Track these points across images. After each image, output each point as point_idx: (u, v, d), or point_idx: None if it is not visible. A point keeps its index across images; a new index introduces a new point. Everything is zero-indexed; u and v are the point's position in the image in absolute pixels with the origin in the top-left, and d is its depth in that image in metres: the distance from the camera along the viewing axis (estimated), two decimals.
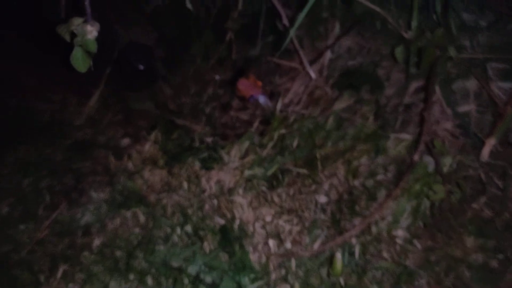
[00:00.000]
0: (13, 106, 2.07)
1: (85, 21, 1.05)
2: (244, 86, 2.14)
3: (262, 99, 2.12)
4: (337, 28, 1.99)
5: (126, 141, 1.97)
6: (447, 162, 1.54)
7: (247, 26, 2.21)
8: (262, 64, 2.29)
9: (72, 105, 2.18)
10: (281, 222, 1.55)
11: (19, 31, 2.35)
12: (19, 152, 1.83)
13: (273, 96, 2.13)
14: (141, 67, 2.33)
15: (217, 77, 2.28)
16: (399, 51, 1.69)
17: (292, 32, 1.34)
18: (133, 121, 2.09)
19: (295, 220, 1.56)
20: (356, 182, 1.68)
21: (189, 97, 2.20)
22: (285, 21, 1.80)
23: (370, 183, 1.66)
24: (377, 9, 1.55)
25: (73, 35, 1.06)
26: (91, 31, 1.05)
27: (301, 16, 1.24)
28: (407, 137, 1.74)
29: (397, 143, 1.74)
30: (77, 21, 1.05)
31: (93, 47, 1.01)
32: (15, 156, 1.81)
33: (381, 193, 1.59)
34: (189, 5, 1.96)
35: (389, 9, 1.73)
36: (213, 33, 2.20)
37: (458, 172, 1.55)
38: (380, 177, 1.67)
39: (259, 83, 2.15)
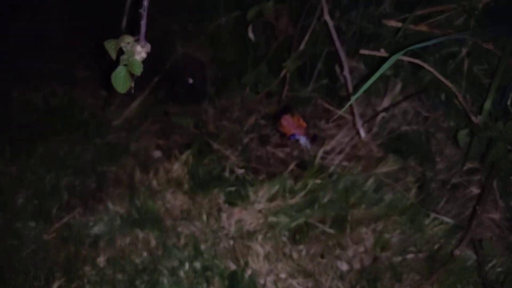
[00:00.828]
0: (60, 96, 2.08)
1: (137, 41, 0.99)
2: (288, 123, 2.07)
3: (303, 140, 2.04)
4: (398, 89, 1.89)
5: (157, 154, 1.93)
6: (491, 264, 1.39)
7: (303, 66, 2.15)
8: (310, 105, 2.22)
9: (115, 104, 2.17)
10: (295, 282, 1.43)
11: (83, 29, 2.42)
12: (51, 144, 1.82)
13: (315, 140, 2.04)
14: (190, 81, 2.31)
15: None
16: (462, 135, 1.57)
17: (352, 100, 1.25)
18: (169, 135, 2.05)
19: (311, 284, 1.44)
20: (383, 256, 1.55)
21: (230, 122, 2.15)
22: (346, 74, 1.73)
23: (398, 260, 1.52)
24: (448, 84, 1.44)
25: (120, 52, 1.00)
26: (140, 52, 0.98)
27: (364, 87, 1.15)
28: (448, 220, 1.61)
29: (436, 224, 1.61)
30: (128, 39, 0.99)
31: (138, 70, 0.95)
32: (46, 147, 1.79)
33: (408, 276, 1.45)
34: (251, 35, 1.91)
35: (460, 83, 1.62)
36: (268, 66, 2.14)
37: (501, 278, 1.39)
38: (410, 256, 1.53)
39: (303, 124, 2.08)
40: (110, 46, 0.98)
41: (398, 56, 1.24)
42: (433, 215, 1.61)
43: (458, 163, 1.76)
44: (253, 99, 2.25)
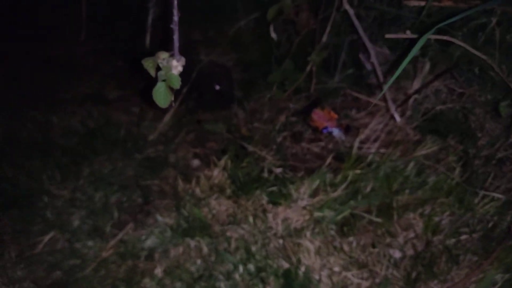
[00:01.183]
0: (96, 117, 2.15)
1: (172, 56, 1.01)
2: (319, 116, 2.07)
3: (336, 132, 2.04)
4: (427, 69, 1.86)
5: (195, 162, 1.96)
6: None
7: (327, 58, 2.14)
8: (339, 96, 2.21)
9: (148, 119, 2.22)
10: (349, 275, 1.44)
11: (110, 48, 2.50)
12: (94, 164, 1.89)
13: (348, 130, 2.04)
14: (218, 87, 2.34)
15: (291, 105, 2.23)
16: (503, 107, 1.53)
17: (385, 88, 1.24)
18: (204, 142, 2.09)
19: (365, 275, 1.44)
20: (436, 240, 1.53)
21: (261, 123, 2.16)
22: (374, 60, 1.71)
23: (452, 242, 1.50)
24: (482, 56, 1.41)
25: (157, 69, 1.03)
26: (176, 66, 1.01)
27: (396, 74, 1.14)
28: (499, 196, 1.57)
29: (487, 201, 1.57)
30: (163, 55, 1.01)
31: (177, 83, 0.98)
32: (90, 168, 1.86)
33: (465, 257, 1.43)
34: (273, 35, 1.92)
35: (493, 55, 1.58)
36: (293, 62, 2.15)
37: None
38: (464, 237, 1.51)
39: (335, 116, 2.07)
40: (148, 64, 1.01)
41: (429, 35, 1.22)
42: (482, 192, 1.58)
43: (501, 137, 1.72)
44: (281, 97, 2.26)
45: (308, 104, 2.19)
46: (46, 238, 1.58)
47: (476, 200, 1.59)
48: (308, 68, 2.01)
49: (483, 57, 1.44)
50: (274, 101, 2.26)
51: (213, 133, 2.14)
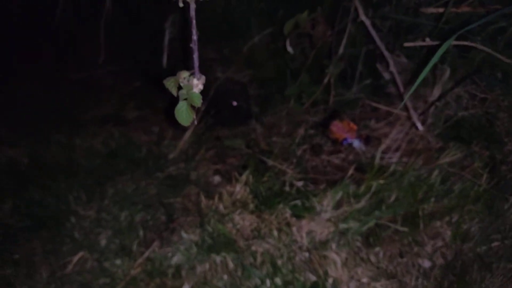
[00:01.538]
0: (117, 138, 2.19)
1: (192, 75, 1.03)
2: (338, 128, 2.07)
3: (356, 143, 2.02)
4: (447, 75, 1.84)
5: (217, 179, 1.97)
6: None
7: (344, 69, 2.15)
8: (357, 107, 2.21)
9: (168, 138, 2.25)
10: (378, 285, 1.41)
11: (128, 69, 2.56)
12: (118, 184, 1.91)
13: (368, 141, 2.02)
14: (235, 103, 2.36)
15: (310, 118, 2.23)
16: None
17: (406, 97, 1.24)
18: (225, 158, 2.10)
19: (395, 285, 1.41)
20: (466, 248, 1.49)
21: (280, 137, 2.17)
22: (393, 69, 1.71)
23: (483, 250, 1.47)
24: (506, 60, 1.39)
25: (178, 88, 1.05)
26: (197, 84, 1.02)
27: (417, 82, 1.14)
28: None
29: None
30: (184, 74, 1.03)
31: (198, 101, 0.99)
32: (114, 187, 1.89)
33: (499, 265, 1.39)
34: (289, 49, 1.94)
35: None
36: (309, 75, 2.16)
37: None
38: (495, 244, 1.47)
39: (354, 127, 2.06)
40: (170, 84, 1.03)
41: (451, 41, 1.22)
42: None
43: None
44: (299, 110, 2.26)
45: (326, 116, 2.19)
46: (76, 258, 1.60)
47: (506, 206, 1.55)
48: (325, 80, 2.02)
49: (507, 60, 1.42)
50: (291, 114, 2.27)
51: (233, 149, 2.15)
